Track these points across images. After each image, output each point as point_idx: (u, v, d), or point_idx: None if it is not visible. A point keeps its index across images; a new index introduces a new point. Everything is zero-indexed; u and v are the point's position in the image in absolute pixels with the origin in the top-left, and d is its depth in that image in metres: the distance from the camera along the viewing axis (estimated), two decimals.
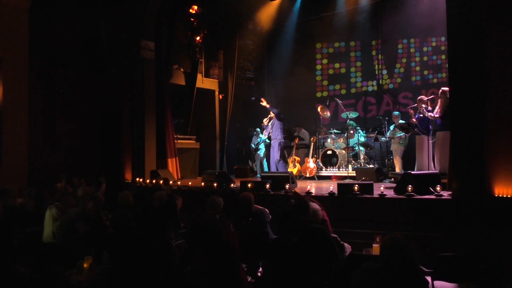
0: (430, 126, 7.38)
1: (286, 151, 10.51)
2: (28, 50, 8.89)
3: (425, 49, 10.67)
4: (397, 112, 9.18)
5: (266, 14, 11.77)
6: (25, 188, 7.15)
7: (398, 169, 8.64)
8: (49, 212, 4.80)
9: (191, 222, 4.59)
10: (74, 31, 9.77)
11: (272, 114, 9.27)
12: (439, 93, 7.10)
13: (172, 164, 9.69)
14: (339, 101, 10.34)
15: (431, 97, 7.67)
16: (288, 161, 9.90)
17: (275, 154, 8.99)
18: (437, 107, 7.10)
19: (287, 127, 10.10)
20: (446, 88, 6.90)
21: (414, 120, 7.69)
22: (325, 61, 12.14)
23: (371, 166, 9.02)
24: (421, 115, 7.46)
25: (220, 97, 11.51)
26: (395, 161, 8.87)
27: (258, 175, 9.91)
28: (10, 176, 8.00)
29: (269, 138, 9.60)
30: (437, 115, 7.03)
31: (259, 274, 4.01)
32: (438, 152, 7.05)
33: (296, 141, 9.85)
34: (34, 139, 8.87)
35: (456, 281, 3.64)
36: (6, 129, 8.47)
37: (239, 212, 4.68)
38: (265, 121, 9.47)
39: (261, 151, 10.53)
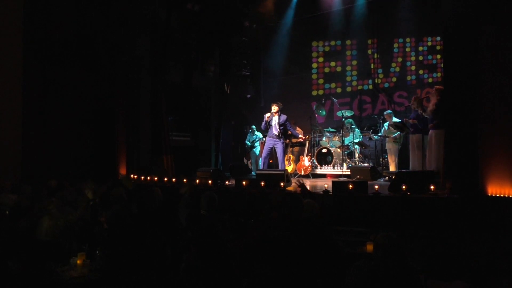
0: (426, 125, 7.41)
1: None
2: (22, 45, 8.81)
3: (420, 48, 10.70)
4: (390, 111, 9.23)
5: (263, 12, 11.75)
6: (18, 184, 7.10)
7: (392, 168, 8.68)
8: (44, 209, 4.77)
9: (186, 219, 4.58)
10: (69, 27, 9.69)
11: (276, 109, 8.38)
12: (433, 90, 7.12)
13: (167, 161, 9.66)
14: (335, 100, 10.37)
15: (425, 96, 7.73)
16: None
17: (283, 153, 8.53)
18: (430, 105, 7.11)
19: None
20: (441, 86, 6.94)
21: (410, 120, 7.72)
22: (321, 59, 12.14)
23: (365, 164, 9.06)
24: (417, 114, 7.51)
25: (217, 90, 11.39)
26: (389, 160, 8.91)
27: (253, 172, 9.92)
28: (4, 172, 7.94)
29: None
30: (430, 113, 7.04)
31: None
32: (431, 151, 7.08)
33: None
34: (28, 135, 8.79)
35: (448, 279, 3.66)
36: (0, 125, 8.39)
37: (243, 210, 4.62)
38: (268, 116, 8.39)
39: (257, 149, 10.53)
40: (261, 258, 2.56)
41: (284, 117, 8.36)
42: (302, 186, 4.98)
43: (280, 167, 8.26)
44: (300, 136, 8.98)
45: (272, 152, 8.50)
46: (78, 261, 3.47)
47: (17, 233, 4.43)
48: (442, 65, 8.75)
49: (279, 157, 8.33)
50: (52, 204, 4.64)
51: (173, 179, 7.94)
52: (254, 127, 10.74)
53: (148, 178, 8.39)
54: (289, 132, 8.92)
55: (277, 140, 8.28)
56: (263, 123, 8.35)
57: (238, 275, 3.04)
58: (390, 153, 8.87)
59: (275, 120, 8.28)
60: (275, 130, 8.26)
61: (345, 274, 2.53)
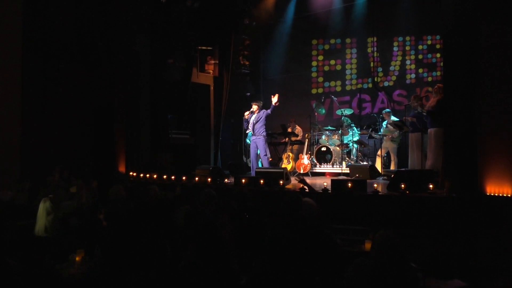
0: (425, 124, 7.40)
1: (278, 147, 10.52)
2: (21, 42, 8.80)
3: (420, 47, 10.69)
4: (388, 110, 9.25)
5: (263, 9, 11.74)
6: (17, 181, 7.10)
7: (379, 166, 8.66)
8: (43, 205, 4.75)
9: (185, 216, 4.58)
10: (68, 24, 9.67)
11: (255, 108, 8.49)
12: (434, 88, 7.09)
13: (167, 159, 9.67)
14: (334, 98, 10.37)
15: (424, 95, 7.73)
16: (282, 157, 9.92)
17: (264, 149, 8.51)
18: (430, 103, 7.07)
19: (281, 123, 10.08)
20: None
21: (409, 118, 7.72)
22: (320, 57, 12.13)
23: (364, 163, 9.06)
24: (416, 112, 7.50)
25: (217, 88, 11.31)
26: (376, 158, 8.92)
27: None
28: (3, 169, 7.93)
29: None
30: (431, 108, 6.98)
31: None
32: (431, 150, 7.07)
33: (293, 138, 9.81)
34: (28, 132, 8.79)
35: (447, 278, 3.67)
36: None
37: (234, 207, 4.65)
38: (247, 114, 8.59)
39: None
40: (260, 256, 2.56)
41: (262, 111, 8.40)
42: (303, 181, 4.99)
43: (263, 164, 8.28)
44: (274, 102, 8.19)
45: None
46: (77, 258, 3.48)
47: (16, 230, 4.44)
48: (441, 64, 8.76)
49: (261, 154, 8.37)
50: (48, 200, 4.65)
51: (172, 177, 7.94)
52: None
53: (148, 175, 8.39)
54: (270, 111, 8.34)
55: (256, 137, 8.36)
56: (244, 123, 8.51)
57: (237, 273, 3.04)
58: (384, 151, 8.89)
59: (252, 119, 8.40)
60: (251, 128, 8.41)
61: (344, 272, 2.53)
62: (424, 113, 7.13)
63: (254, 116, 8.39)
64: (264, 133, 8.38)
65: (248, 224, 4.22)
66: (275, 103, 8.22)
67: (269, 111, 8.35)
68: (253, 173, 8.12)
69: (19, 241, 4.02)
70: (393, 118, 8.87)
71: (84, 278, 3.31)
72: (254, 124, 8.35)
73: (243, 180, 6.75)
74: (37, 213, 4.75)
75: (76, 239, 4.13)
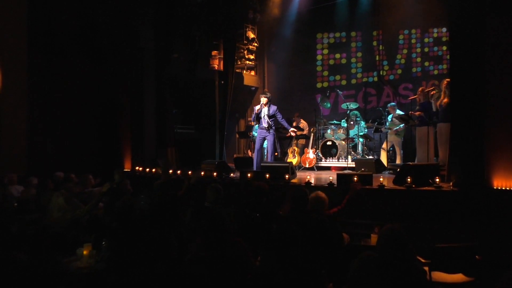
0: (432, 117, 7.35)
1: (283, 142, 10.52)
2: (26, 38, 8.82)
3: (426, 40, 10.61)
4: (393, 103, 9.21)
5: (267, 3, 11.69)
6: (24, 176, 7.15)
7: (384, 159, 8.62)
8: (55, 201, 4.78)
9: (191, 210, 4.60)
10: (73, 19, 9.68)
11: (265, 101, 8.09)
12: (443, 84, 7.01)
13: (172, 154, 9.69)
14: (340, 92, 10.32)
15: (431, 88, 7.68)
16: (288, 151, 9.91)
17: (273, 146, 8.29)
18: (441, 98, 6.97)
19: (286, 117, 10.06)
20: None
21: (416, 113, 7.67)
22: (325, 51, 12.07)
23: (370, 157, 9.04)
24: (423, 104, 7.46)
25: (222, 82, 11.28)
26: (381, 152, 8.92)
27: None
28: (9, 164, 7.99)
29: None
30: (444, 105, 6.86)
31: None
32: (440, 144, 7.02)
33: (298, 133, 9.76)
34: (33, 128, 8.84)
35: (453, 272, 3.67)
36: (5, 117, 8.43)
37: (249, 201, 4.54)
38: (258, 108, 8.19)
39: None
40: (267, 249, 2.57)
41: (273, 107, 8.10)
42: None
43: (269, 159, 8.15)
44: (291, 129, 8.33)
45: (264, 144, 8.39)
46: (85, 252, 3.51)
47: (24, 224, 4.48)
48: (448, 56, 8.68)
49: (269, 149, 8.17)
50: (61, 196, 4.68)
51: (178, 172, 7.96)
52: None
53: (153, 170, 8.42)
54: (283, 122, 8.26)
55: (267, 132, 8.06)
56: (253, 116, 8.24)
57: (243, 266, 3.05)
58: (389, 145, 8.87)
59: (264, 112, 8.07)
60: (264, 123, 8.06)
61: (350, 265, 2.53)
62: (437, 108, 7.03)
63: (266, 109, 8.13)
64: (274, 128, 8.24)
65: (256, 220, 4.23)
66: (291, 129, 8.35)
67: (280, 119, 8.14)
68: (255, 167, 8.07)
69: (27, 235, 4.06)
70: (398, 111, 8.83)
71: (91, 272, 3.34)
72: (268, 118, 8.01)
73: (249, 175, 6.76)
74: (45, 207, 4.78)
75: (83, 233, 4.17)
